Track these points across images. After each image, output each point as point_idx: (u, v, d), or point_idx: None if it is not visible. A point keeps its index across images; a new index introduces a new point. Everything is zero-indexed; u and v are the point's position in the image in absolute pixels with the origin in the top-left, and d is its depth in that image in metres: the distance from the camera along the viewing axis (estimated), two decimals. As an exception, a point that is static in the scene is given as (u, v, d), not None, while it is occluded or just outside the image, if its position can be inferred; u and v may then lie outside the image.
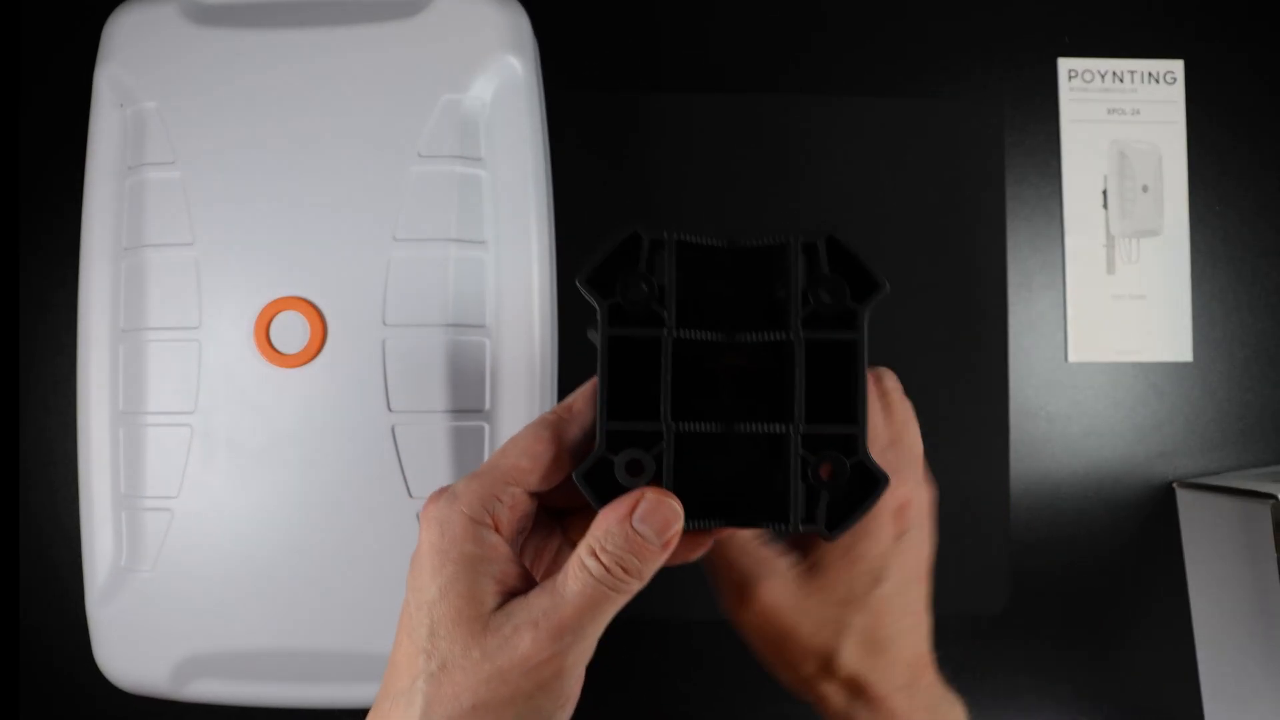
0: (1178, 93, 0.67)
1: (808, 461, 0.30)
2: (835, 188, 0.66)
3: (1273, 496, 0.56)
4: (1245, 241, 0.67)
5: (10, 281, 0.62)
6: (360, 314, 0.50)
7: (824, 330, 0.30)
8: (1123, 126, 0.67)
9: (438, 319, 0.50)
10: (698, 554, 0.32)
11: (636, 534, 0.28)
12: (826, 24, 0.66)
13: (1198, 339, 0.67)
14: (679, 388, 0.30)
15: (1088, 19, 0.67)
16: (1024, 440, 0.66)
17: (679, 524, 0.28)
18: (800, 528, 0.30)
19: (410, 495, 0.50)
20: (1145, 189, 0.67)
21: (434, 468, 0.50)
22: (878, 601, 0.34)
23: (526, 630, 0.28)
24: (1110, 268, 0.67)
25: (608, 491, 0.29)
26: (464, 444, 0.50)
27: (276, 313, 0.50)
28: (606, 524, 0.28)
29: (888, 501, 0.34)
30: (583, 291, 0.30)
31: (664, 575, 0.30)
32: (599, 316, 0.30)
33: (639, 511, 0.28)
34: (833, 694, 0.35)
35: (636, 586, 0.29)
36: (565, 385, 0.54)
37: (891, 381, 0.37)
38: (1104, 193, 0.67)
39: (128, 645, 0.51)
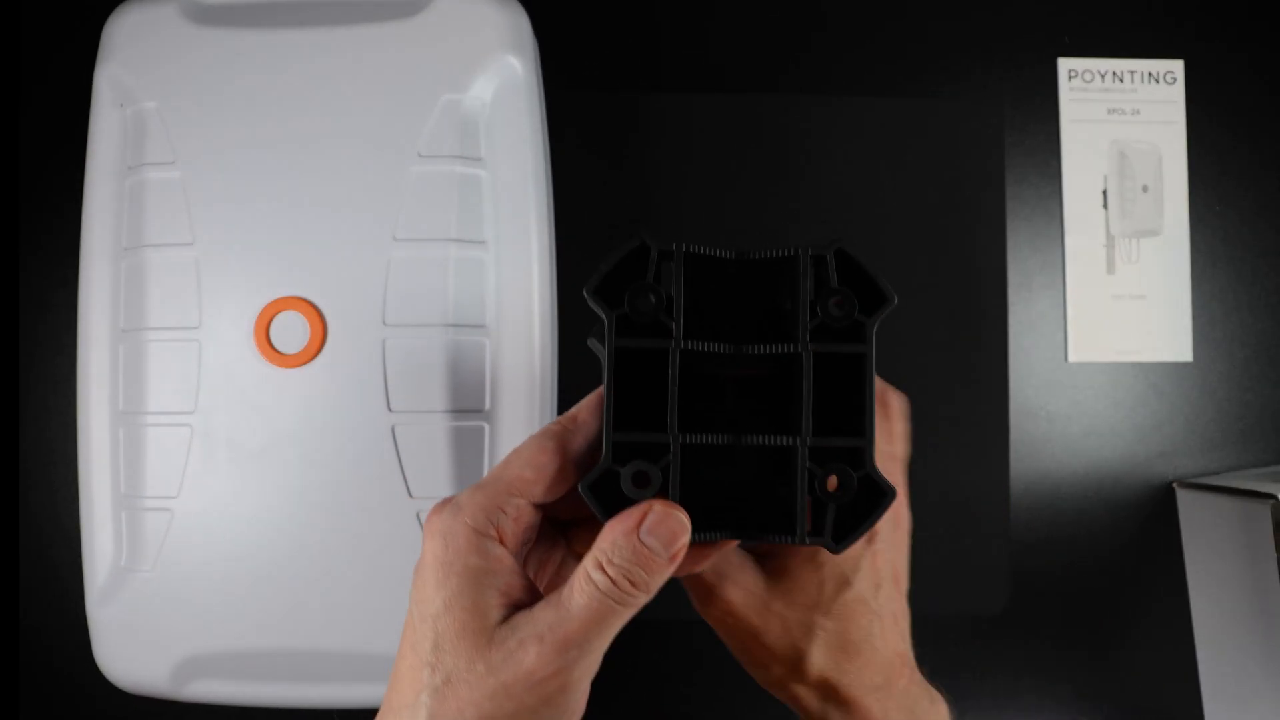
0: (1178, 93, 0.67)
1: (814, 474, 0.30)
2: (835, 188, 0.66)
3: (1273, 496, 0.56)
4: (1245, 241, 0.67)
5: (10, 281, 0.62)
6: (360, 314, 0.50)
7: (832, 343, 0.30)
8: (1123, 126, 0.67)
9: (438, 319, 0.50)
10: (703, 566, 0.32)
11: (644, 547, 0.28)
12: (826, 24, 0.66)
13: (1198, 339, 0.67)
14: (685, 398, 0.30)
15: (1088, 19, 0.67)
16: (1024, 440, 0.66)
17: (686, 536, 0.28)
18: (807, 540, 0.29)
19: (410, 495, 0.50)
20: (1145, 189, 0.67)
21: (434, 468, 0.50)
22: (846, 605, 0.34)
23: (532, 644, 0.27)
24: (1110, 268, 0.67)
25: (614, 503, 0.29)
26: (464, 444, 0.50)
27: (276, 313, 0.50)
28: (613, 536, 0.28)
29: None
30: (590, 302, 0.29)
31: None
32: (606, 327, 0.29)
33: (646, 524, 0.28)
34: (805, 696, 0.35)
35: (643, 600, 0.28)
36: (565, 385, 0.54)
37: (893, 395, 0.36)
38: (1104, 193, 0.67)
39: (128, 645, 0.51)
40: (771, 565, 0.35)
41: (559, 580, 0.33)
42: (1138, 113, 0.67)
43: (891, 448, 0.35)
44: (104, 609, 0.51)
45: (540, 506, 0.30)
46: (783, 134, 0.66)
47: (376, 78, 0.51)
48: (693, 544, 0.29)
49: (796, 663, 0.34)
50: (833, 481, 0.30)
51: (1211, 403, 0.66)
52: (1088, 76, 0.67)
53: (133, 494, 0.51)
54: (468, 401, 0.50)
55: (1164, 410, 0.66)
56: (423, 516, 0.50)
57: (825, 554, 0.34)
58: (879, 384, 0.35)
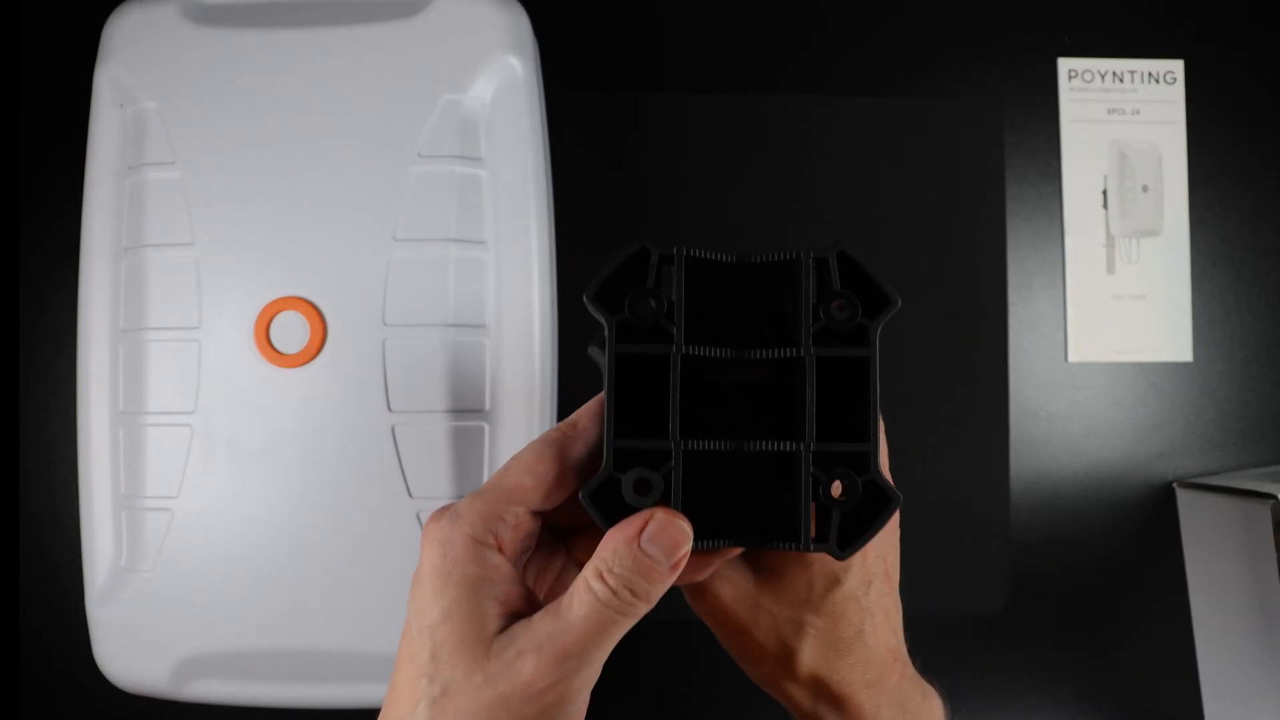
0: (1178, 93, 0.67)
1: (818, 480, 0.29)
2: (835, 188, 0.66)
3: (1273, 496, 0.56)
4: (1245, 241, 0.67)
5: (10, 281, 0.62)
6: (360, 314, 0.50)
7: (835, 347, 0.30)
8: (1123, 126, 0.67)
9: (438, 319, 0.50)
10: (705, 574, 0.32)
11: (645, 555, 0.27)
12: (826, 24, 0.66)
13: (1198, 339, 0.67)
14: (687, 404, 0.29)
15: (1088, 19, 0.67)
16: (1024, 440, 0.66)
17: (688, 545, 0.28)
18: (811, 547, 0.29)
19: (410, 495, 0.50)
20: (1145, 189, 0.67)
21: (434, 468, 0.50)
22: (836, 604, 0.33)
23: (530, 655, 0.27)
24: (1110, 268, 0.67)
25: (615, 511, 0.28)
26: (464, 444, 0.50)
27: (276, 313, 0.50)
28: (614, 545, 0.28)
29: None
30: (590, 308, 0.29)
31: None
32: (606, 333, 0.29)
33: (648, 532, 0.27)
34: (796, 693, 0.35)
35: (644, 609, 0.28)
36: (566, 386, 0.54)
37: None
38: (1104, 193, 0.67)
39: (128, 645, 0.51)
40: (762, 562, 0.34)
41: (559, 588, 0.32)
42: (1138, 113, 0.67)
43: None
44: (104, 609, 0.51)
45: (540, 514, 0.30)
46: (783, 134, 0.66)
47: (376, 78, 0.51)
48: (695, 552, 0.29)
49: (786, 660, 0.34)
50: (837, 488, 0.29)
51: (1211, 403, 0.66)
52: (1088, 76, 0.67)
53: (133, 494, 0.51)
54: (468, 401, 0.50)
55: (1164, 410, 0.66)
56: (423, 517, 0.50)
57: (813, 554, 0.33)
58: None
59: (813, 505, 0.29)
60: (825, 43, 0.66)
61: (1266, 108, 0.67)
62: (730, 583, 0.34)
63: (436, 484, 0.50)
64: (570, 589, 0.28)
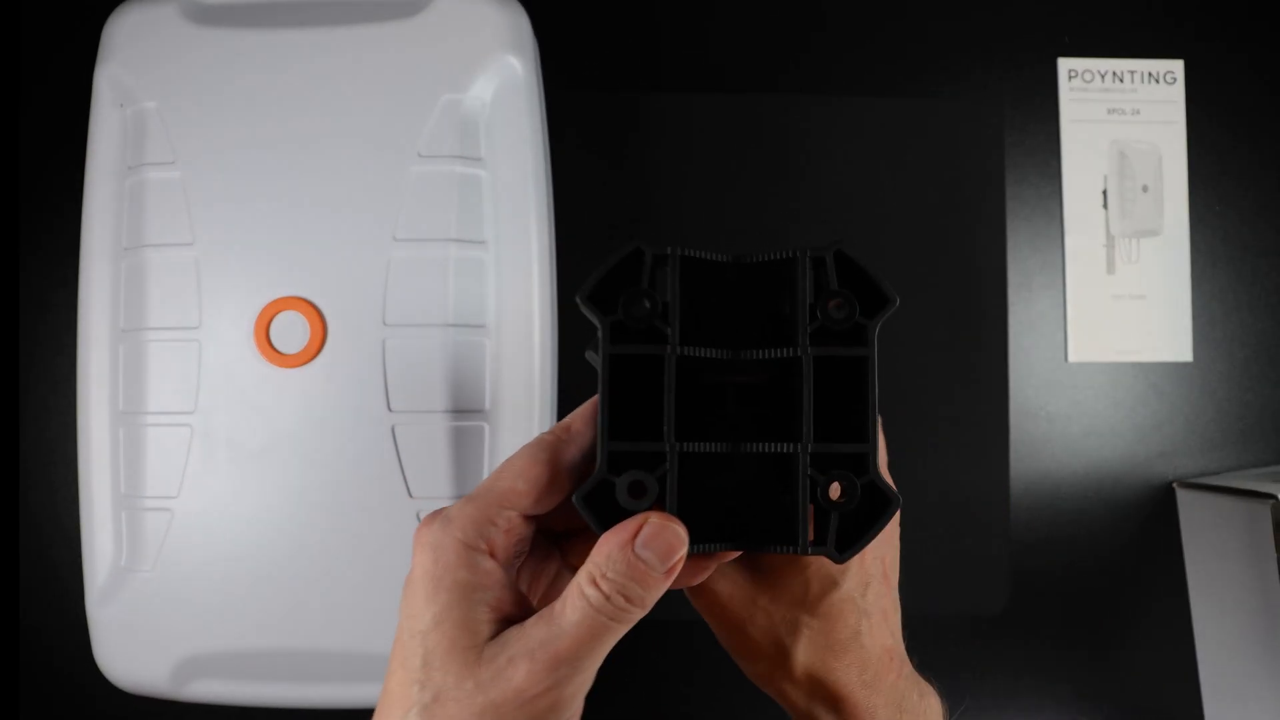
0: (1178, 93, 0.67)
1: (816, 481, 0.29)
2: (835, 188, 0.66)
3: (1273, 496, 0.56)
4: (1245, 241, 0.67)
5: (10, 281, 0.62)
6: (360, 314, 0.50)
7: (833, 346, 0.29)
8: (1123, 126, 0.67)
9: (438, 319, 0.50)
10: (701, 578, 0.31)
11: (639, 560, 0.27)
12: (826, 24, 0.66)
13: (1198, 339, 0.67)
14: (683, 405, 0.29)
15: (1088, 19, 0.67)
16: (1024, 440, 0.66)
17: (684, 549, 0.27)
18: (810, 550, 0.29)
19: (410, 495, 0.50)
20: (1145, 189, 0.67)
21: (434, 468, 0.50)
22: (833, 605, 0.33)
23: (522, 661, 0.27)
24: (1110, 268, 0.67)
25: (609, 515, 0.28)
26: (464, 444, 0.50)
27: (276, 313, 0.50)
28: (607, 550, 0.27)
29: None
30: (583, 309, 0.29)
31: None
32: (600, 334, 0.29)
33: (642, 536, 0.27)
34: (792, 691, 0.35)
35: (638, 615, 0.28)
36: (565, 386, 0.54)
37: None
38: (1104, 193, 0.67)
39: (128, 645, 0.51)
40: (760, 561, 0.34)
41: (554, 593, 0.32)
42: (1138, 113, 0.67)
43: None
44: (104, 609, 0.51)
45: (534, 518, 0.30)
46: (783, 134, 0.66)
47: (376, 78, 0.51)
48: (691, 555, 0.28)
49: (782, 659, 0.34)
50: (836, 489, 0.29)
51: (1211, 403, 0.66)
52: (1088, 76, 0.67)
53: (133, 494, 0.51)
54: (468, 401, 0.50)
55: (1164, 410, 0.66)
56: (423, 517, 0.49)
57: (808, 558, 0.33)
58: None
59: (811, 507, 0.29)
60: (825, 43, 0.66)
61: (1266, 108, 0.67)
62: (728, 579, 0.34)
63: (436, 484, 0.50)
64: (564, 594, 0.28)
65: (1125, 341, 0.66)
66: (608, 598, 0.27)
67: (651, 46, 0.66)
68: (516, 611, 0.29)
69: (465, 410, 0.50)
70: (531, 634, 0.27)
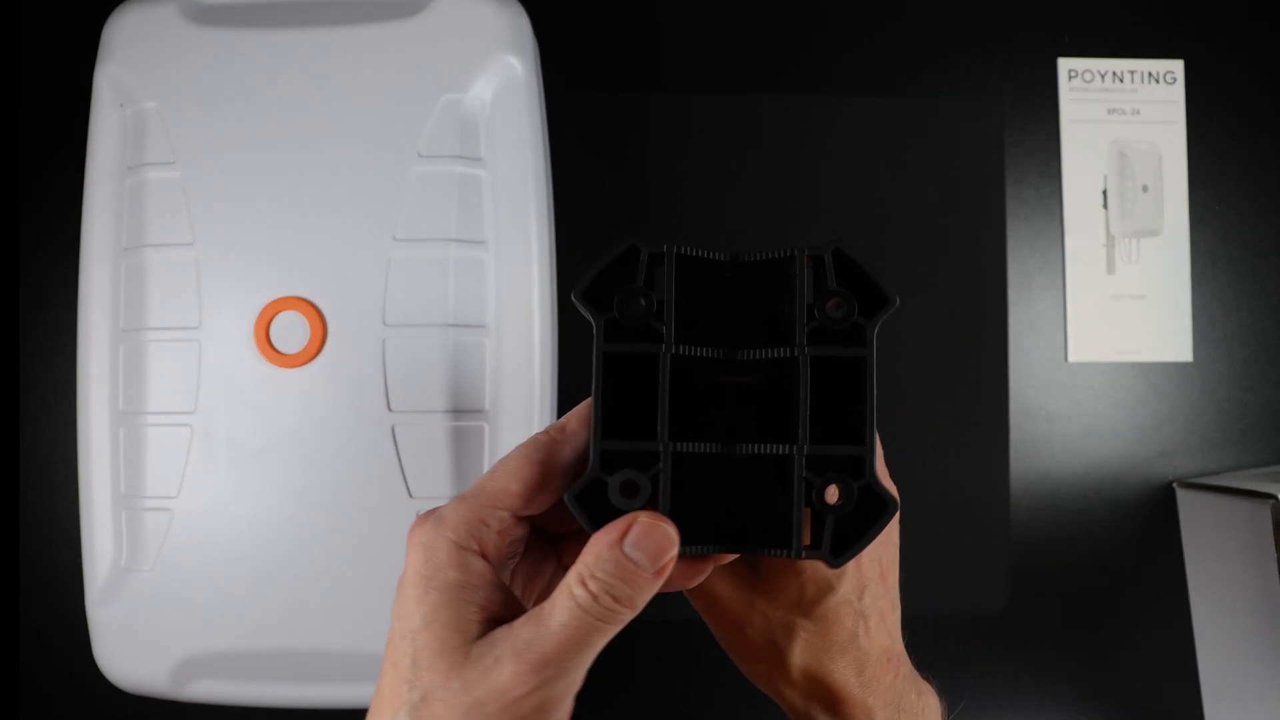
0: (1178, 93, 0.67)
1: (812, 484, 0.28)
2: (835, 188, 0.66)
3: (1273, 496, 0.56)
4: (1245, 241, 0.67)
5: (10, 281, 0.62)
6: (360, 314, 0.50)
7: (831, 347, 0.29)
8: (1123, 126, 0.67)
9: (438, 319, 0.50)
10: (697, 580, 0.31)
11: (628, 560, 0.27)
12: (826, 24, 0.66)
13: (1198, 339, 0.67)
14: (678, 405, 0.29)
15: (1088, 19, 0.67)
16: (1024, 440, 0.66)
17: (674, 550, 0.27)
18: (804, 554, 0.28)
19: (410, 495, 0.50)
20: (1145, 189, 0.67)
21: (434, 468, 0.50)
22: (829, 609, 0.33)
23: (508, 661, 0.27)
24: (1110, 268, 0.67)
25: (601, 514, 0.28)
26: (464, 444, 0.50)
27: (276, 313, 0.50)
28: (596, 550, 0.27)
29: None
30: (578, 306, 0.29)
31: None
32: (595, 332, 0.29)
33: (631, 536, 0.27)
34: (789, 692, 0.34)
35: (628, 616, 0.27)
36: (565, 386, 0.54)
37: None
38: (1104, 193, 0.67)
39: (128, 645, 0.51)
40: (758, 562, 0.34)
41: (548, 595, 0.32)
42: (1138, 113, 0.67)
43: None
44: (104, 609, 0.51)
45: (529, 519, 0.30)
46: (783, 134, 0.66)
47: (376, 78, 0.51)
48: (683, 557, 0.28)
49: (778, 660, 0.34)
50: (833, 492, 0.28)
51: (1211, 403, 0.66)
52: (1088, 76, 0.67)
53: (133, 494, 0.51)
54: (468, 401, 0.50)
55: (1164, 410, 0.66)
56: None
57: (804, 562, 0.33)
58: None
59: (807, 510, 0.29)
60: (825, 43, 0.66)
61: (1266, 108, 0.67)
62: (725, 580, 0.34)
63: (436, 484, 0.50)
64: (553, 595, 0.28)
65: (1125, 341, 0.66)
66: (595, 598, 0.27)
67: (651, 46, 0.66)
68: (507, 612, 0.28)
69: (465, 410, 0.50)
70: (519, 634, 0.27)
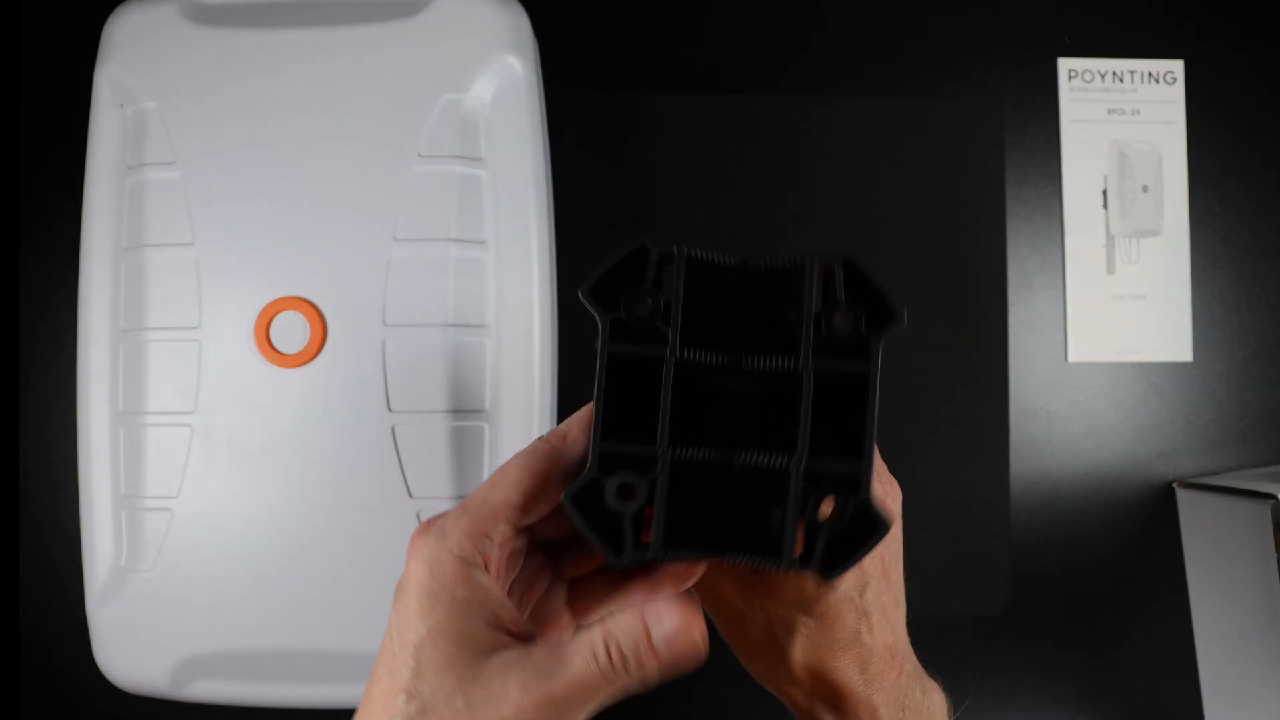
0: (1178, 93, 0.67)
1: (808, 496, 0.28)
2: (835, 188, 0.66)
3: (1273, 496, 0.56)
4: (1245, 241, 0.67)
5: (10, 281, 0.62)
6: (360, 314, 0.50)
7: (835, 360, 0.28)
8: (1123, 126, 0.67)
9: (438, 319, 0.50)
10: (686, 584, 0.31)
11: (652, 650, 0.28)
12: (826, 24, 0.66)
13: (1198, 339, 0.67)
14: (680, 407, 0.28)
15: (1088, 19, 0.67)
16: (1024, 440, 0.66)
17: (698, 655, 0.28)
18: (795, 566, 0.28)
19: (410, 495, 0.50)
20: (1145, 189, 0.67)
21: (434, 468, 0.50)
22: (830, 607, 0.33)
23: (515, 691, 0.27)
24: (1110, 268, 0.67)
25: (596, 516, 0.28)
26: (464, 444, 0.50)
27: (276, 313, 0.50)
28: (629, 625, 0.28)
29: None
30: (585, 303, 0.28)
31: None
32: (600, 330, 0.28)
33: (667, 631, 0.28)
34: (792, 689, 0.34)
35: (637, 689, 0.28)
36: (565, 386, 0.54)
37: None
38: (1104, 193, 0.67)
39: (128, 645, 0.51)
40: None
41: (544, 604, 0.32)
42: (1138, 113, 0.67)
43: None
44: (104, 609, 0.51)
45: (528, 528, 0.30)
46: (783, 134, 0.66)
47: (376, 78, 0.51)
48: (673, 560, 0.28)
49: (780, 657, 0.34)
50: (828, 507, 0.28)
51: (1211, 403, 0.66)
52: (1088, 76, 0.67)
53: (133, 494, 0.51)
54: (468, 401, 0.50)
55: (1164, 410, 0.66)
56: (423, 517, 0.49)
57: None
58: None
59: (801, 523, 0.28)
60: (825, 43, 0.66)
61: (1266, 108, 0.67)
62: (727, 576, 0.34)
63: (436, 484, 0.50)
64: (576, 638, 0.28)
65: (1125, 341, 0.66)
66: (613, 665, 0.27)
67: (651, 46, 0.66)
68: (512, 627, 0.28)
69: (465, 410, 0.50)
70: (531, 664, 0.27)
